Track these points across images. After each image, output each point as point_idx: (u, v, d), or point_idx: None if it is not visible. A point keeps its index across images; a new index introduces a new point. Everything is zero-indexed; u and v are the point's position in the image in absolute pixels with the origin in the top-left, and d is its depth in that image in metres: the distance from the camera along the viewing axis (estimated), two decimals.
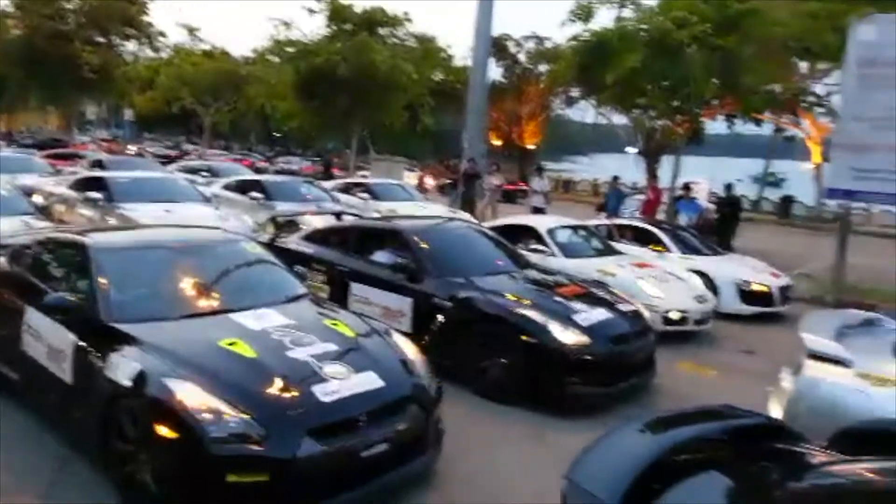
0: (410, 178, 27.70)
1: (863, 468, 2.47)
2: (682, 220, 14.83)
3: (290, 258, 6.58)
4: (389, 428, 3.99)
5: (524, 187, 26.85)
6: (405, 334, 5.19)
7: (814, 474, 2.45)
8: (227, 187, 14.21)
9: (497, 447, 5.02)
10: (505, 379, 5.83)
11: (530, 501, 4.21)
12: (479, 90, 17.48)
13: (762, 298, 9.81)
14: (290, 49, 31.64)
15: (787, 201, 30.47)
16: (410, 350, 4.64)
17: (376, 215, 11.53)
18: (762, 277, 10.14)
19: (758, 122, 30.81)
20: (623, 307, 6.59)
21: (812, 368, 4.39)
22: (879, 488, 2.30)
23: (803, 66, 20.32)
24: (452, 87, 35.06)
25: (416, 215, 11.29)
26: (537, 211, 16.02)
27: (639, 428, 2.71)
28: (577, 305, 6.20)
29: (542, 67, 37.98)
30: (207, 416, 3.49)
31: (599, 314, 6.17)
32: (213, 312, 4.64)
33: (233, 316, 4.49)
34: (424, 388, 4.37)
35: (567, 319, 5.91)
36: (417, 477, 4.24)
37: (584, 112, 34.05)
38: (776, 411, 4.46)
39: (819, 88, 23.56)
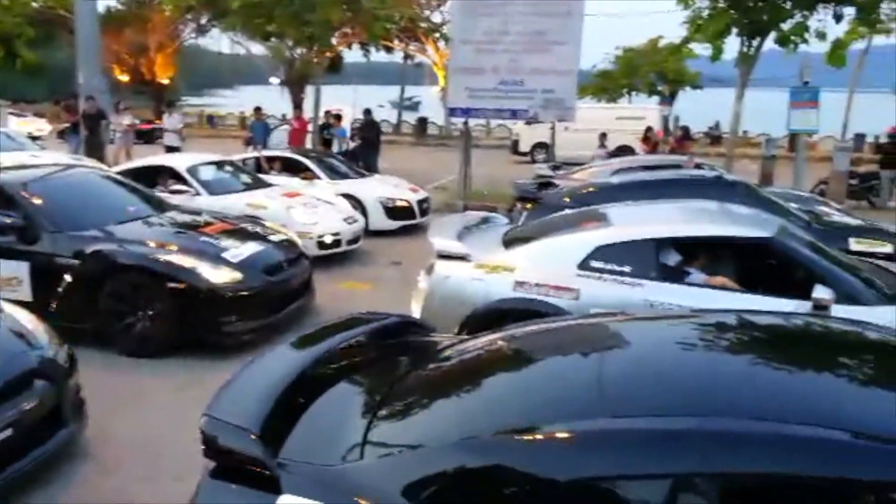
0: (23, 124, 23.57)
1: (472, 342, 2.85)
2: (335, 147, 15.27)
3: None
4: (12, 411, 3.45)
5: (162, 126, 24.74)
6: (26, 304, 4.55)
7: (435, 357, 2.75)
8: None
9: (154, 401, 4.73)
10: (155, 331, 5.45)
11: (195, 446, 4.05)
12: (87, 17, 15.33)
13: (405, 213, 10.66)
14: None
15: (423, 123, 33.25)
16: (26, 320, 4.02)
17: None
18: (403, 194, 11.00)
19: (389, 50, 32.69)
20: (275, 238, 6.57)
21: (441, 267, 4.92)
22: (468, 352, 2.67)
23: None
24: (58, 15, 30.11)
25: (25, 165, 9.63)
26: (172, 150, 14.90)
27: (282, 350, 2.73)
28: (226, 242, 6.00)
29: None
30: None
31: (250, 248, 6.06)
32: None
33: None
34: (51, 360, 3.84)
35: (217, 258, 5.70)
36: (64, 451, 3.82)
37: (220, 42, 32.32)
38: (417, 310, 4.93)
39: (436, 16, 25.75)
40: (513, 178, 10.42)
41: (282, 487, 2.00)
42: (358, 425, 2.23)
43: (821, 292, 4.02)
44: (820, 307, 3.98)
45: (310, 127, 16.65)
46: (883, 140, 16.07)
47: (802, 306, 4.11)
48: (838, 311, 3.95)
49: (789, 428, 1.83)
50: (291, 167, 11.19)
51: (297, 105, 20.71)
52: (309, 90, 23.52)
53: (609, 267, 4.67)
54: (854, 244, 6.44)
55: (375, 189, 10.89)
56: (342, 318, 3.14)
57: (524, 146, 22.85)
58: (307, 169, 11.07)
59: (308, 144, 15.90)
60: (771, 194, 7.92)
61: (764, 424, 1.86)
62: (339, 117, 16.44)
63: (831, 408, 1.96)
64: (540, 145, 21.68)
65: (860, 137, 25.87)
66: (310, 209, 8.78)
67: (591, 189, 8.03)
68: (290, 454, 2.11)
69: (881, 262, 5.51)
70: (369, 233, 9.81)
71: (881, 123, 18.11)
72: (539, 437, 1.98)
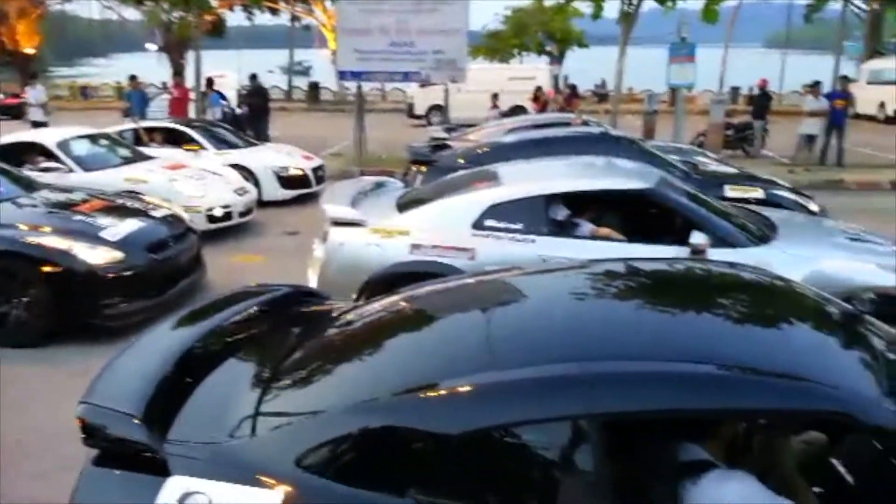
0: None
1: (367, 307, 2.83)
2: (216, 114, 14.59)
3: None
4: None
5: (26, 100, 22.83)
6: None
7: (331, 324, 2.72)
8: None
9: (41, 399, 4.42)
10: (33, 319, 5.10)
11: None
12: None
13: (299, 181, 10.40)
14: None
15: (315, 88, 32.36)
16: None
17: None
18: (297, 162, 10.71)
19: (274, 12, 31.46)
20: (157, 213, 6.25)
21: (335, 234, 4.84)
22: (363, 317, 2.67)
23: None
24: None
25: None
26: (38, 125, 13.81)
27: (164, 329, 2.61)
28: (103, 221, 5.66)
29: None
30: None
31: (130, 225, 5.74)
32: None
33: None
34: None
35: (94, 237, 5.37)
36: None
37: (90, 7, 30.02)
38: (313, 279, 4.84)
39: None
40: (409, 141, 10.36)
41: (171, 469, 1.93)
42: (249, 399, 2.17)
43: (697, 238, 4.25)
44: (697, 252, 4.21)
45: (192, 95, 15.83)
46: (755, 92, 17.07)
47: (682, 252, 4.34)
48: (714, 254, 4.21)
49: (666, 366, 1.94)
50: (174, 138, 10.63)
51: (178, 72, 19.54)
52: (190, 56, 22.31)
53: (502, 225, 4.75)
54: (729, 191, 6.85)
55: (267, 158, 10.54)
56: (231, 292, 3.04)
57: (419, 109, 22.70)
58: (192, 140, 10.54)
59: (192, 114, 15.13)
60: (653, 147, 8.27)
61: (643, 364, 1.96)
62: (210, 82, 15.61)
63: (705, 344, 2.09)
64: (435, 107, 21.56)
65: (735, 90, 27.37)
66: (196, 181, 8.40)
67: (484, 149, 8.10)
68: (178, 435, 2.04)
69: (753, 207, 5.90)
70: (263, 204, 9.53)
71: (754, 76, 19.23)
72: (434, 394, 2.00)
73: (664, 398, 1.87)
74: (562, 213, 4.98)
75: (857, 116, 21.80)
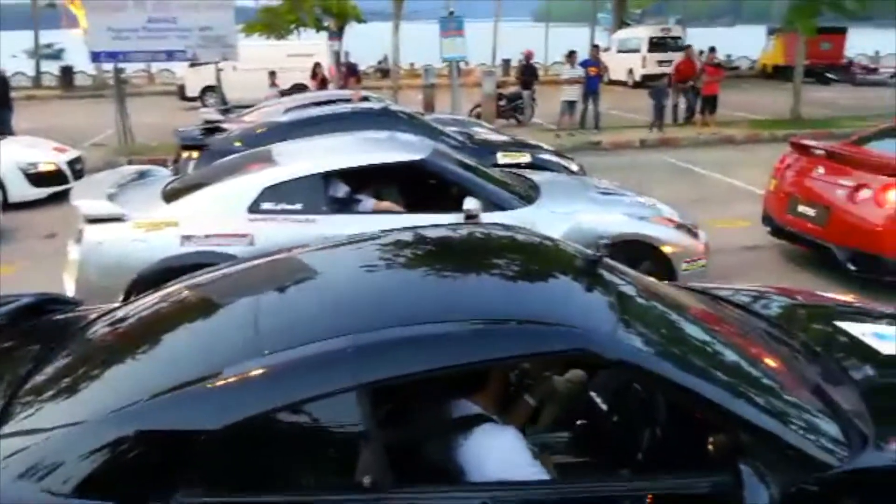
0: None
1: (123, 309, 2.59)
2: None
3: None
4: None
5: None
6: None
7: (82, 332, 2.46)
8: None
9: None
10: None
11: None
12: None
13: (52, 178, 9.27)
14: None
15: (68, 73, 28.95)
16: None
17: None
18: (47, 155, 9.52)
19: None
20: None
21: (91, 232, 4.38)
22: (118, 320, 2.48)
23: None
24: None
25: None
26: None
27: None
28: None
29: None
30: None
31: None
32: None
33: None
34: None
35: None
36: None
37: None
38: (70, 285, 4.35)
39: None
40: (181, 125, 9.64)
41: None
42: None
43: (470, 203, 4.44)
44: (471, 217, 4.40)
45: None
46: (523, 63, 18.15)
47: (458, 218, 4.51)
48: (487, 217, 4.43)
49: (426, 328, 1.99)
50: None
51: None
52: None
53: (280, 207, 4.61)
54: (501, 158, 7.25)
55: (10, 153, 9.23)
56: None
57: (192, 91, 21.24)
58: None
59: None
60: (432, 120, 8.50)
61: (405, 329, 1.99)
62: None
63: (463, 302, 2.18)
64: (210, 88, 20.37)
65: (506, 62, 28.95)
66: None
67: (262, 130, 7.77)
68: None
69: (522, 171, 6.29)
70: (10, 206, 8.37)
71: (523, 49, 20.44)
72: (194, 390, 1.89)
73: (426, 359, 1.92)
74: (342, 190, 4.93)
75: (611, 83, 24.20)
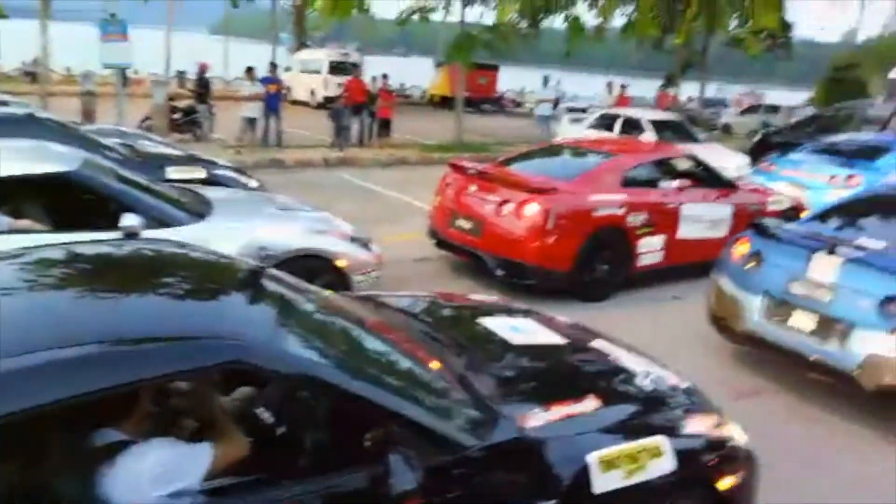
0: None
1: None
2: None
3: None
4: None
5: None
6: None
7: None
8: None
9: None
10: None
11: None
12: None
13: None
14: None
15: None
16: None
17: None
18: None
19: None
20: None
21: None
22: None
23: None
24: None
25: None
26: None
27: None
28: None
29: None
30: None
31: None
32: None
33: None
34: None
35: None
36: None
37: None
38: None
39: None
40: None
41: None
42: None
43: (128, 220, 4.07)
44: (130, 234, 4.04)
45: None
46: (197, 76, 17.29)
47: (115, 236, 4.11)
48: (149, 235, 4.10)
49: (60, 353, 1.77)
50: None
51: None
52: None
53: None
54: (171, 173, 6.81)
55: None
56: None
57: None
58: None
59: None
60: (88, 131, 7.66)
61: (35, 356, 1.75)
62: None
63: (102, 323, 1.98)
64: None
65: (181, 73, 27.44)
66: None
67: None
68: None
69: (195, 187, 5.99)
70: None
71: (199, 60, 19.47)
72: None
73: (60, 387, 1.71)
74: None
75: (295, 102, 24.43)
